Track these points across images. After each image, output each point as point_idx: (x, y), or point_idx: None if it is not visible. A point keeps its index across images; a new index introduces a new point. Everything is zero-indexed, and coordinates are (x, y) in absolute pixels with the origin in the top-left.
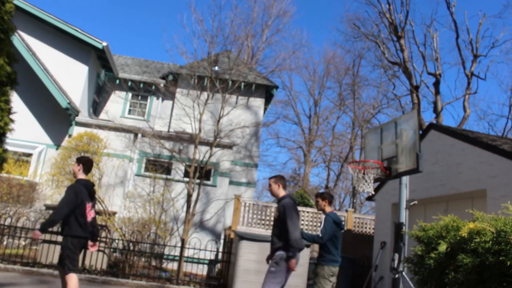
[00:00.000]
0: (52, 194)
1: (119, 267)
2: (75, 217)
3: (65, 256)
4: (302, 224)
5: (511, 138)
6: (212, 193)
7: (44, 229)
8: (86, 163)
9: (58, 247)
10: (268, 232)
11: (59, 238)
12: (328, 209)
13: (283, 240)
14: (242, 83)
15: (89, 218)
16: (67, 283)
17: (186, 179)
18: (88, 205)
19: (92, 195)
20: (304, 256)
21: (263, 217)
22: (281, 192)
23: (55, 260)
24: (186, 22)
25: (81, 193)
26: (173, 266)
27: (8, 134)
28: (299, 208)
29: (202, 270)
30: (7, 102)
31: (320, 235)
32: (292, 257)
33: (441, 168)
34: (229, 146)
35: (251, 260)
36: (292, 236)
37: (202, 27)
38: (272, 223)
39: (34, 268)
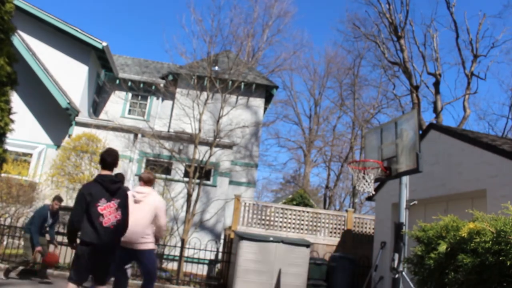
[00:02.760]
0: (52, 194)
1: None
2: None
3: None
4: (302, 224)
5: (511, 138)
6: (212, 193)
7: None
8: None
9: (58, 247)
10: (268, 233)
11: (58, 239)
12: None
13: None
14: (242, 83)
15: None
16: None
17: (186, 179)
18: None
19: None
20: (304, 256)
21: (263, 217)
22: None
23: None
24: (185, 22)
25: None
26: (173, 266)
27: (8, 134)
28: (299, 208)
29: (202, 270)
30: (7, 102)
31: None
32: None
33: (441, 168)
34: (229, 146)
35: (251, 260)
36: None
37: (201, 27)
38: (271, 223)
39: (34, 268)
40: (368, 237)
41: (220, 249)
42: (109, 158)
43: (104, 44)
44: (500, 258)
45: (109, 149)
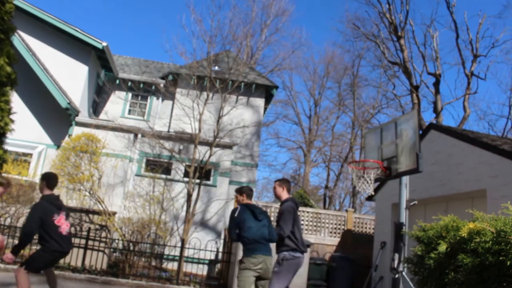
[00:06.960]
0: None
1: (119, 267)
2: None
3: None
4: (303, 224)
5: (511, 138)
6: (212, 193)
7: (15, 253)
8: (49, 180)
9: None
10: None
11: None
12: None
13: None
14: (242, 83)
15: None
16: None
17: (186, 179)
18: (59, 217)
19: (59, 207)
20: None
21: None
22: (284, 195)
23: None
24: (185, 22)
25: (45, 209)
26: (173, 266)
27: (8, 134)
28: (299, 208)
29: (202, 270)
30: (7, 102)
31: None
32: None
33: (441, 168)
34: (229, 146)
35: None
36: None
37: (201, 27)
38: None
39: None
40: (368, 237)
41: (220, 249)
42: None
43: (104, 44)
44: (500, 258)
45: None
